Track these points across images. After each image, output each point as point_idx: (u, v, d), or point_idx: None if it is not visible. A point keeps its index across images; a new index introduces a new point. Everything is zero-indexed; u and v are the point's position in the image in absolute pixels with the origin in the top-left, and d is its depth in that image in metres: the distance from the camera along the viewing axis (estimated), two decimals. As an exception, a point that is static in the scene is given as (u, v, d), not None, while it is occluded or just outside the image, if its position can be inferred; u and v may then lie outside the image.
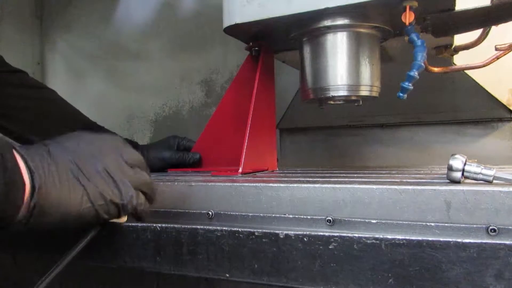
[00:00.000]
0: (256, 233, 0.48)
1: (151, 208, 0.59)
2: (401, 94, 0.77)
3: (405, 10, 0.71)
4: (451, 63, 1.04)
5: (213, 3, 1.56)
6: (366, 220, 0.56)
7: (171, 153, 1.04)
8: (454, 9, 0.76)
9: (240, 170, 0.81)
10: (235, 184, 0.65)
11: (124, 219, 0.63)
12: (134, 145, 1.08)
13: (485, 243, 0.40)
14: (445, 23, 0.82)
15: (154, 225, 0.54)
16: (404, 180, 0.65)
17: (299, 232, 0.46)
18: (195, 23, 1.66)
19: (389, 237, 0.43)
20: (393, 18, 0.78)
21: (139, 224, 0.55)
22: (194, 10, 1.67)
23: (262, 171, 0.91)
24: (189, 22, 1.67)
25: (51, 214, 0.43)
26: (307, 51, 0.86)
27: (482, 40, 0.91)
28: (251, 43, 0.95)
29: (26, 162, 0.42)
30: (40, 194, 0.42)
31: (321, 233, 0.46)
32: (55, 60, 1.99)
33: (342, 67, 0.81)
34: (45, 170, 0.43)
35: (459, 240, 0.41)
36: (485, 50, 0.90)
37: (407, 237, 0.43)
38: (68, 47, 1.96)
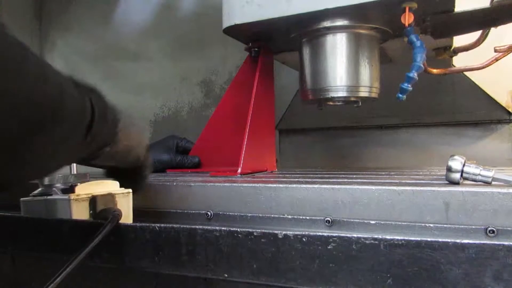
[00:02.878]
0: (255, 233, 0.48)
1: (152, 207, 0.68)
2: (400, 95, 0.77)
3: (404, 11, 0.71)
4: (450, 64, 1.04)
5: (212, 4, 1.56)
6: (365, 221, 0.56)
7: (171, 156, 1.04)
8: (453, 10, 0.76)
9: (239, 171, 0.81)
10: (234, 184, 0.65)
11: (130, 219, 0.64)
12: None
13: (483, 244, 0.40)
14: (445, 24, 0.82)
15: (153, 225, 0.54)
16: (403, 181, 0.65)
17: (298, 232, 0.46)
18: (195, 23, 1.66)
19: (388, 237, 0.43)
20: (392, 19, 0.78)
21: (138, 224, 0.55)
22: (193, 11, 1.67)
23: (261, 171, 0.91)
24: (189, 22, 1.67)
25: (123, 146, 0.58)
26: (306, 52, 0.86)
27: (482, 42, 0.91)
28: (250, 44, 0.95)
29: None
30: (122, 131, 0.57)
31: (320, 234, 0.46)
32: (54, 60, 1.99)
33: (342, 68, 0.81)
34: (126, 119, 0.58)
35: (457, 241, 0.41)
36: (484, 52, 0.91)
37: (406, 238, 0.43)
38: (67, 47, 1.96)
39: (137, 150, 0.63)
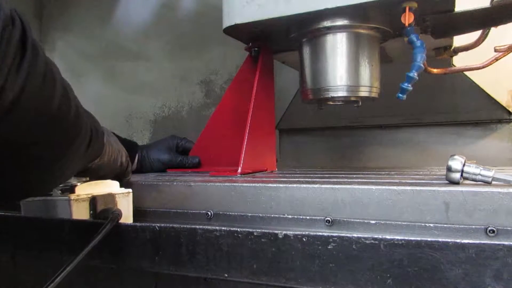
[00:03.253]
0: (255, 233, 0.48)
1: (152, 207, 0.71)
2: (400, 95, 0.77)
3: (404, 11, 0.71)
4: (450, 64, 1.04)
5: (212, 4, 1.56)
6: (365, 221, 0.56)
7: (171, 156, 1.04)
8: (453, 10, 0.76)
9: (239, 171, 0.81)
10: (234, 184, 0.65)
11: (130, 219, 0.64)
12: (134, 145, 1.08)
13: (484, 243, 0.40)
14: (445, 24, 0.82)
15: (153, 225, 0.54)
16: (403, 181, 0.65)
17: (298, 232, 0.46)
18: (195, 23, 1.66)
19: (388, 237, 0.43)
20: (392, 19, 0.78)
21: (138, 224, 0.55)
22: (193, 11, 1.67)
23: (261, 171, 0.91)
24: (189, 22, 1.67)
25: (107, 156, 0.63)
26: (306, 51, 0.86)
27: (482, 42, 0.91)
28: (250, 44, 0.95)
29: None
30: (106, 143, 0.63)
31: (320, 233, 0.46)
32: (54, 60, 1.97)
33: (342, 68, 0.81)
34: (108, 134, 0.65)
35: (458, 240, 0.41)
36: (484, 52, 0.91)
37: (406, 238, 0.43)
38: (67, 47, 1.96)
39: (119, 158, 0.68)
